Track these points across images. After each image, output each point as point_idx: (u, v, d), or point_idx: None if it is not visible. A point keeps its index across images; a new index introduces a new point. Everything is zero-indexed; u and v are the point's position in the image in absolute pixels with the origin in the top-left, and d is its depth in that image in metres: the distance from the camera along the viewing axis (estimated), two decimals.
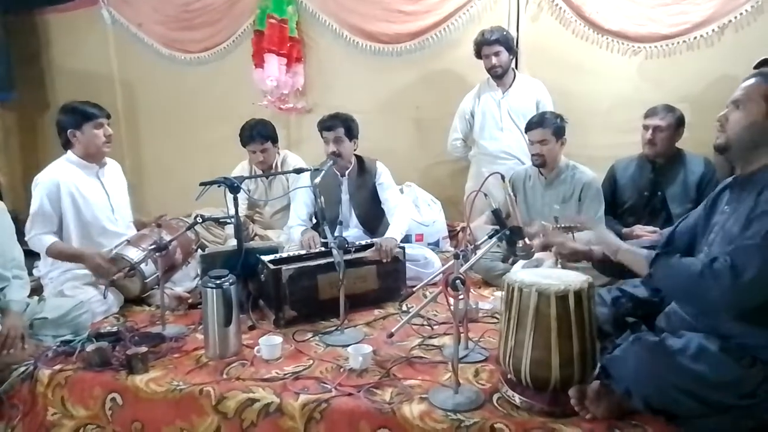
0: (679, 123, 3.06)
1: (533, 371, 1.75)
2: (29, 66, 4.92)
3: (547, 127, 3.01)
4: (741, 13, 3.38)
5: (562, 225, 2.20)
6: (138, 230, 3.04)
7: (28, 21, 4.91)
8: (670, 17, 3.51)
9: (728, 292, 1.52)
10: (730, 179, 1.82)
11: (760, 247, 1.52)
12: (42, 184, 2.78)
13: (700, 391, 1.54)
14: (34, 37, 4.94)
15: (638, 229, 2.99)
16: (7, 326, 2.24)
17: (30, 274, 2.72)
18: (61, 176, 2.80)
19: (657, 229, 2.93)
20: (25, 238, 2.77)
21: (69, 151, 2.89)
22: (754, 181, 1.67)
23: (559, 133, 3.04)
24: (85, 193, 2.85)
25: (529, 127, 3.08)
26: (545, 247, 2.02)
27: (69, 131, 2.84)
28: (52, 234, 2.78)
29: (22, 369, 2.19)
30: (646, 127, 3.08)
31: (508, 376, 1.86)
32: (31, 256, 2.80)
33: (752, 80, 1.68)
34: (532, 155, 3.10)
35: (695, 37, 3.49)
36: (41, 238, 2.76)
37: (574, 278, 1.80)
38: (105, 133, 2.86)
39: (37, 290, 2.81)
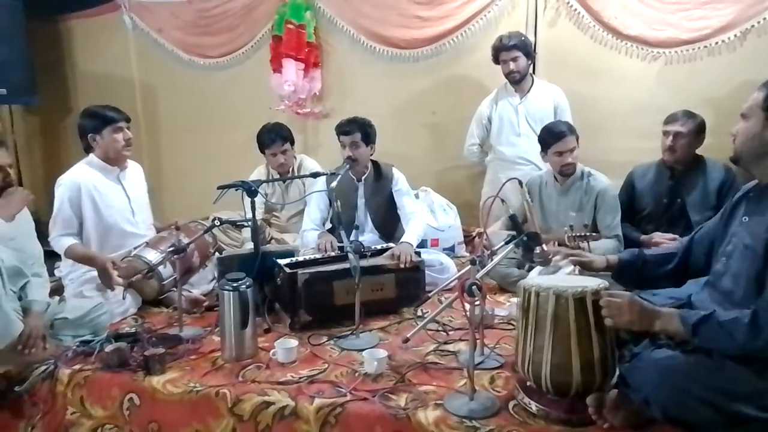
0: (700, 129, 3.02)
1: (554, 377, 1.74)
2: (52, 71, 4.99)
3: (572, 134, 2.99)
4: (764, 18, 3.32)
5: (577, 234, 2.19)
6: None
7: (52, 27, 4.98)
8: (690, 22, 3.47)
9: None
10: (749, 186, 1.81)
11: None
12: (64, 185, 2.82)
13: (719, 403, 1.52)
14: (56, 42, 5.02)
15: (657, 236, 2.95)
16: (29, 326, 2.27)
17: (51, 274, 2.75)
18: (83, 179, 2.84)
19: (676, 236, 2.89)
20: (48, 239, 2.81)
21: (91, 154, 2.92)
22: None
23: (578, 137, 3.02)
24: (106, 195, 2.88)
25: (554, 140, 2.98)
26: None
27: (89, 135, 2.87)
28: (73, 236, 2.81)
29: (43, 368, 2.23)
30: (666, 133, 3.04)
31: (528, 383, 1.84)
32: (52, 256, 2.84)
33: (756, 92, 1.71)
34: (564, 166, 3.01)
35: (716, 43, 3.44)
36: (60, 240, 2.79)
37: (590, 281, 1.80)
38: (124, 137, 2.89)
39: (58, 290, 2.84)
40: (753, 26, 3.36)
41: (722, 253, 1.77)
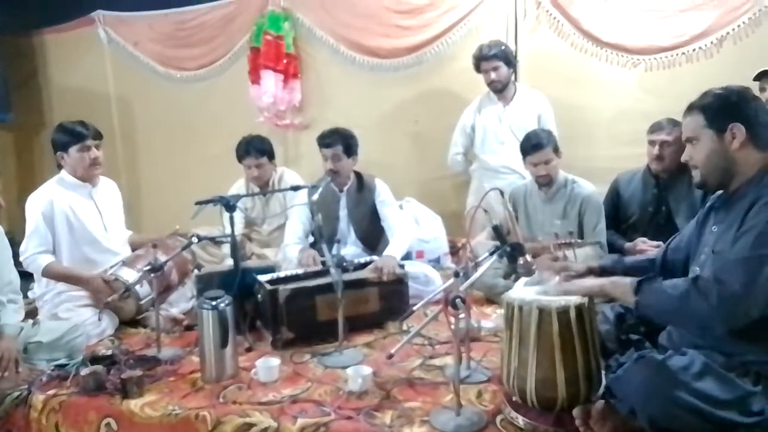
0: None
1: (539, 391, 1.72)
2: (26, 87, 4.94)
3: (548, 145, 2.98)
4: (739, 25, 3.37)
5: (562, 242, 2.17)
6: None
7: (25, 42, 4.93)
8: (668, 29, 3.51)
9: (716, 309, 1.54)
10: (715, 196, 1.84)
11: (745, 260, 1.54)
12: (36, 203, 2.78)
13: (705, 410, 1.50)
14: (31, 57, 4.96)
15: (641, 243, 2.95)
16: (1, 350, 2.21)
17: (25, 296, 2.70)
18: (54, 195, 2.80)
19: (661, 243, 2.88)
20: (21, 258, 2.74)
21: (62, 170, 2.88)
22: (738, 199, 1.70)
23: (557, 148, 3.03)
24: (78, 212, 2.84)
25: (530, 150, 3.00)
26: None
27: (58, 153, 2.84)
28: (49, 253, 2.76)
29: (16, 394, 2.17)
30: (652, 143, 3.02)
31: (513, 398, 1.83)
32: (26, 278, 2.78)
33: (688, 117, 1.79)
34: (539, 177, 3.04)
35: (694, 49, 3.48)
36: (37, 258, 2.73)
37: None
38: (91, 156, 2.83)
39: (32, 313, 2.78)
40: (728, 33, 3.41)
41: (696, 263, 1.80)
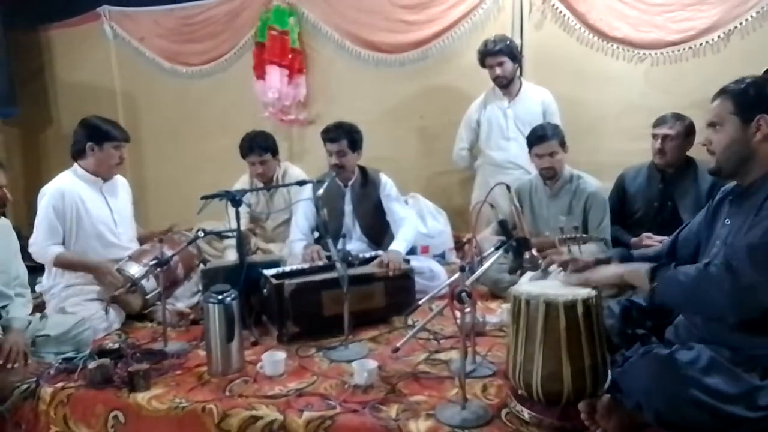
0: (689, 131, 3.00)
1: (545, 385, 1.73)
2: (32, 82, 4.95)
3: (554, 138, 2.99)
4: (746, 19, 3.36)
5: (568, 236, 2.17)
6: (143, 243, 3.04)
7: (32, 37, 4.94)
8: (674, 24, 3.50)
9: (728, 295, 1.53)
10: (728, 187, 1.83)
11: (756, 248, 1.54)
12: (49, 194, 2.80)
13: (711, 405, 1.50)
14: (37, 53, 4.97)
15: (646, 238, 2.94)
16: (9, 343, 2.23)
17: (33, 290, 2.71)
18: (67, 187, 2.82)
19: (666, 238, 2.88)
20: (30, 249, 2.77)
21: (76, 164, 2.90)
22: (754, 192, 1.69)
23: (563, 141, 3.03)
24: (89, 206, 2.85)
25: (535, 141, 3.02)
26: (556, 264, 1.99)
27: (88, 144, 2.84)
28: (59, 245, 2.78)
29: (25, 387, 2.19)
30: (655, 136, 3.03)
31: (519, 391, 1.83)
32: (34, 271, 2.79)
33: (718, 100, 1.74)
34: (543, 169, 3.06)
35: (701, 44, 3.48)
36: (47, 249, 2.75)
37: (580, 288, 1.78)
38: (121, 156, 2.89)
39: (39, 307, 2.79)
40: (736, 27, 3.39)
41: (707, 255, 1.78)
